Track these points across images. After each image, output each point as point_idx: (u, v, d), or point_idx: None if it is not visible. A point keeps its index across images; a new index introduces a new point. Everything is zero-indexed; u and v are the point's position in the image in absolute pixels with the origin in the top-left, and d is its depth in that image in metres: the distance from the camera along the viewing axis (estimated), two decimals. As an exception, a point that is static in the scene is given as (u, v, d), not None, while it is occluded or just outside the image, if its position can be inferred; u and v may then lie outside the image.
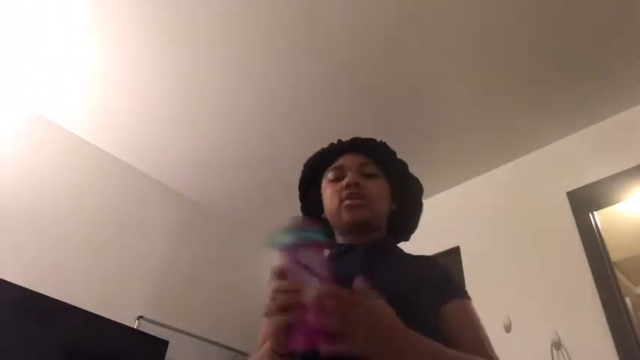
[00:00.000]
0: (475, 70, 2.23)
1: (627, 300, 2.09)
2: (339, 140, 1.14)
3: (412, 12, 2.00)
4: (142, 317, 2.63)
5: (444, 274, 0.95)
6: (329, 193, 1.04)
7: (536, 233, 2.39)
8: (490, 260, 2.49)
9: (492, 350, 0.83)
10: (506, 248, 2.47)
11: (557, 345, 2.03)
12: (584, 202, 2.29)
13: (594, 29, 2.01)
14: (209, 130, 2.69)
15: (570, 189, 2.35)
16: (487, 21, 2.01)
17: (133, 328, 2.54)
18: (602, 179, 2.26)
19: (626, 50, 2.08)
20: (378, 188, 1.03)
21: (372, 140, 1.12)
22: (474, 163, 2.75)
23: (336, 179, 1.04)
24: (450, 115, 2.46)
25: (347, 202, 0.99)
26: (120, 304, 2.60)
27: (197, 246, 3.18)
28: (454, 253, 2.66)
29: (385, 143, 1.13)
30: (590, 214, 2.26)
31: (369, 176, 1.04)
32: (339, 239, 1.05)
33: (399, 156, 1.13)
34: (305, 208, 1.16)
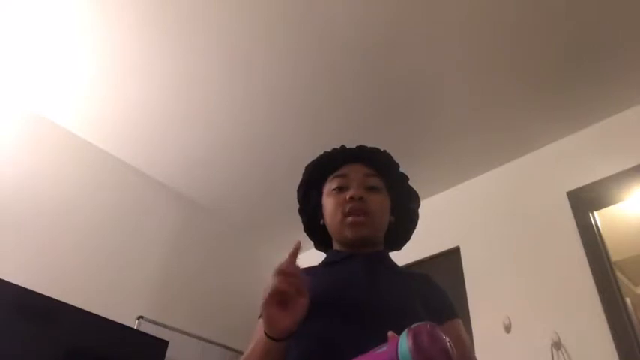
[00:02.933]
0: (475, 71, 2.23)
1: (627, 300, 2.09)
2: (343, 146, 1.13)
3: (412, 12, 2.00)
4: (142, 317, 2.63)
5: (442, 293, 0.99)
6: (332, 204, 1.04)
7: (536, 233, 2.38)
8: (490, 260, 2.49)
9: None
10: (506, 248, 2.46)
11: (557, 345, 2.03)
12: (584, 202, 2.29)
13: (594, 30, 2.01)
14: (209, 130, 2.69)
15: (570, 189, 2.35)
16: (487, 22, 2.01)
17: (133, 328, 2.53)
18: (602, 179, 2.26)
19: (626, 50, 2.08)
20: (380, 203, 1.04)
21: (377, 150, 1.11)
22: (474, 163, 2.75)
23: (340, 189, 1.04)
24: (450, 115, 2.46)
25: (350, 218, 0.99)
26: (120, 304, 2.59)
27: (197, 246, 3.18)
28: (454, 253, 2.65)
29: (389, 154, 1.12)
30: (590, 214, 2.26)
31: (373, 189, 1.04)
32: (337, 246, 1.06)
33: (399, 156, 1.13)
34: (304, 210, 1.16)
